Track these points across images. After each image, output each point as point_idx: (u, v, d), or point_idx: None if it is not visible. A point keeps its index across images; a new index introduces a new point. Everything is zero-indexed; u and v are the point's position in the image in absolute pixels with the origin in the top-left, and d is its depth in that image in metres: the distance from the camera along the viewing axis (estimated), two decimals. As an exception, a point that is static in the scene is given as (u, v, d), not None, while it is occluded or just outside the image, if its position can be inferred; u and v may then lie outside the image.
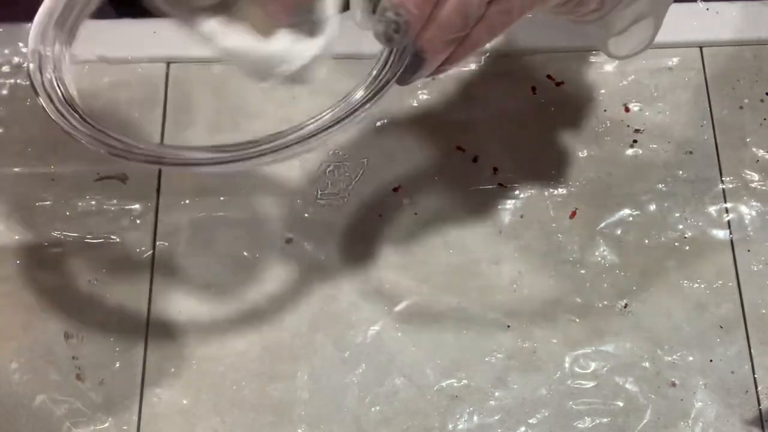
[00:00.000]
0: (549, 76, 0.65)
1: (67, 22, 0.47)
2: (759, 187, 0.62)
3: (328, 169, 0.62)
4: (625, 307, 0.59)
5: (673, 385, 0.57)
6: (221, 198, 0.61)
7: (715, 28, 0.66)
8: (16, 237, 0.60)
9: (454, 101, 0.64)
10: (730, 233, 0.60)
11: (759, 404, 0.56)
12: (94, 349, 0.58)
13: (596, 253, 0.60)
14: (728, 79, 0.65)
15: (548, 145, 0.63)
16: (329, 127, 0.45)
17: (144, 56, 0.65)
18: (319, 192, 0.62)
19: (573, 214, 0.61)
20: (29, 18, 0.67)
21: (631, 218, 0.61)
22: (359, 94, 0.45)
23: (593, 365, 0.57)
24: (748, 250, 0.60)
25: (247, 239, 0.60)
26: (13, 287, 0.59)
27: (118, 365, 0.57)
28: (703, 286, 0.59)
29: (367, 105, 0.45)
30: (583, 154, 0.63)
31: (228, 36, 0.43)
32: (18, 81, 0.65)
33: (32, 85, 0.45)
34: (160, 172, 0.62)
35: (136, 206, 0.61)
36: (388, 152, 0.63)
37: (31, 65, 0.46)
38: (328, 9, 0.44)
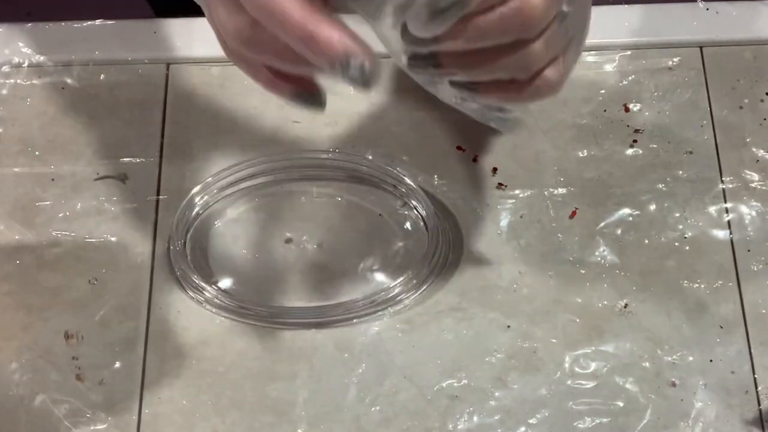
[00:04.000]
0: (549, 76, 0.65)
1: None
2: (759, 187, 0.61)
3: (328, 169, 0.62)
4: (625, 307, 0.59)
5: (673, 385, 0.57)
6: (220, 198, 0.61)
7: (715, 28, 0.66)
8: (16, 237, 0.60)
9: (454, 101, 0.64)
10: (730, 233, 0.60)
11: (759, 404, 0.56)
12: (94, 349, 0.58)
13: (596, 253, 0.60)
14: (728, 79, 0.65)
15: (548, 144, 0.63)
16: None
17: (144, 56, 0.65)
18: (319, 191, 0.61)
19: (573, 214, 0.61)
20: (30, 18, 0.67)
21: (631, 218, 0.61)
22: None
23: (593, 365, 0.57)
24: (748, 250, 0.60)
25: (246, 239, 0.60)
26: (13, 287, 0.59)
27: (118, 365, 0.57)
28: (703, 286, 0.59)
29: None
30: (583, 154, 0.63)
31: None
32: (18, 81, 0.65)
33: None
34: (160, 172, 0.62)
35: (136, 206, 0.61)
36: (388, 152, 0.63)
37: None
38: None
